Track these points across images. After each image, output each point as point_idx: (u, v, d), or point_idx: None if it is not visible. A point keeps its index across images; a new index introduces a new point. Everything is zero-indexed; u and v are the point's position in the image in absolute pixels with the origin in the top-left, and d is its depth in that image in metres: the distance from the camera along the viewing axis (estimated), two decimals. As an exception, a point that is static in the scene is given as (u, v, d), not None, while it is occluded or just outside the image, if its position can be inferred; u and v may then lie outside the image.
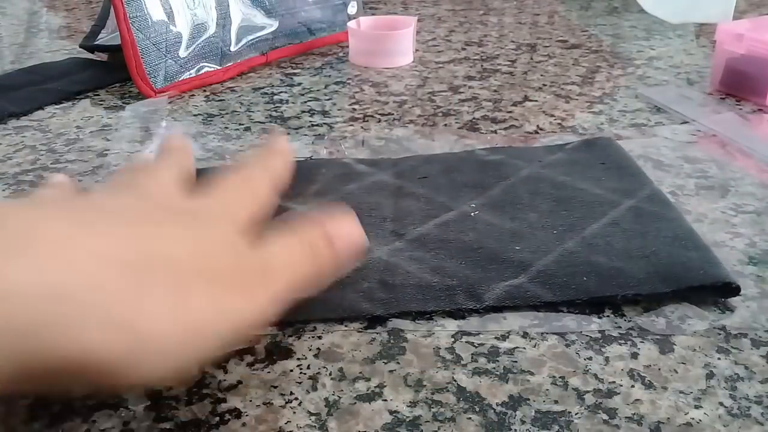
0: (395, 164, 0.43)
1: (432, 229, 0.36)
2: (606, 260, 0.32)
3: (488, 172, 0.42)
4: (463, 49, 0.73)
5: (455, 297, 0.31)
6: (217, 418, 0.25)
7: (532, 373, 0.27)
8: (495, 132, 0.50)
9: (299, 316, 0.30)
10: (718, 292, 0.31)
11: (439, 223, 0.36)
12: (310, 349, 0.29)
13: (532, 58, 0.69)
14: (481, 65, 0.67)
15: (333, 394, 0.26)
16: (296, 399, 0.26)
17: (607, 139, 0.46)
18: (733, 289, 0.30)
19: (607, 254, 0.33)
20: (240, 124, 0.52)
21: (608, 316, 0.30)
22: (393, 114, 0.54)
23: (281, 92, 0.60)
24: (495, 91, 0.59)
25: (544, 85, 0.61)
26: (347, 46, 0.70)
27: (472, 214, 0.37)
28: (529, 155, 0.44)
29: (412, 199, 0.39)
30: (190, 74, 0.60)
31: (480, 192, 0.39)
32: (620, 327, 0.29)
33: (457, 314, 0.30)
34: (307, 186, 0.40)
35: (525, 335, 0.29)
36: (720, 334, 0.29)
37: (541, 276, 0.31)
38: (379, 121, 0.53)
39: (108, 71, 0.64)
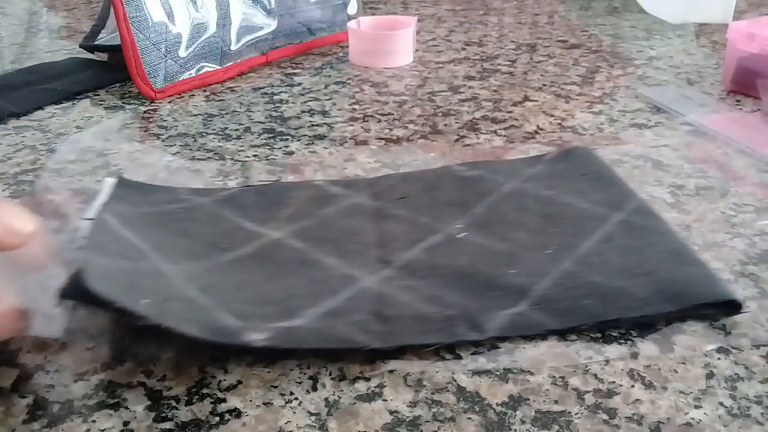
0: (370, 184, 0.41)
1: (420, 254, 0.34)
2: (606, 280, 0.31)
3: (469, 189, 0.40)
4: (463, 49, 0.73)
5: (455, 328, 0.29)
6: (217, 418, 0.25)
7: (532, 373, 0.27)
8: (495, 132, 0.50)
9: (288, 343, 0.28)
10: (721, 309, 0.30)
11: (426, 247, 0.34)
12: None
13: (532, 58, 0.69)
14: (481, 65, 0.67)
15: (333, 394, 0.26)
16: (296, 399, 0.26)
17: (585, 149, 0.44)
18: (736, 306, 0.29)
19: (605, 273, 0.31)
20: (240, 124, 0.52)
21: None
22: (393, 114, 0.54)
23: (281, 92, 0.60)
24: (495, 91, 0.59)
25: (544, 85, 0.61)
26: (347, 46, 0.70)
27: (460, 235, 0.35)
28: (508, 169, 0.42)
29: (394, 222, 0.37)
30: (190, 74, 0.60)
31: (464, 211, 0.37)
32: (620, 327, 0.29)
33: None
34: (278, 210, 0.38)
35: (525, 335, 0.29)
36: (720, 334, 0.29)
37: (543, 301, 0.30)
38: (379, 121, 0.53)
39: (108, 71, 0.64)
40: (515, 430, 0.24)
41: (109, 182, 0.40)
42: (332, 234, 0.36)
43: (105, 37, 0.66)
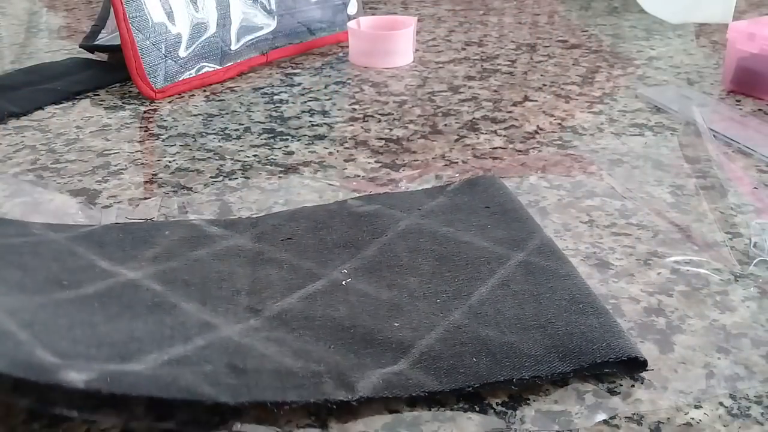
0: (254, 224, 0.37)
1: (296, 303, 0.30)
2: (497, 334, 0.28)
3: (362, 227, 0.36)
4: (463, 49, 0.73)
5: (322, 386, 0.25)
6: (217, 418, 0.25)
7: (532, 373, 0.27)
8: (495, 132, 0.50)
9: (114, 388, 0.23)
10: (623, 367, 0.27)
11: (304, 295, 0.31)
12: (310, 349, 0.29)
13: (532, 58, 0.69)
14: (481, 65, 0.67)
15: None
16: (296, 399, 0.26)
17: (491, 178, 0.41)
18: (641, 364, 0.27)
19: (497, 326, 0.29)
20: (240, 124, 0.52)
21: (608, 316, 0.30)
22: (393, 114, 0.54)
23: (281, 92, 0.60)
24: (495, 91, 0.59)
25: (544, 85, 0.61)
26: (347, 46, 0.70)
27: (344, 282, 0.32)
28: (407, 202, 0.39)
29: (273, 267, 0.33)
30: (190, 74, 0.60)
31: (353, 253, 0.34)
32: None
33: (323, 407, 0.25)
34: (143, 250, 0.34)
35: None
36: (720, 334, 0.29)
37: (425, 360, 0.27)
38: (379, 121, 0.53)
39: (108, 71, 0.64)
40: (515, 430, 0.24)
41: None
42: (198, 278, 0.32)
43: (105, 37, 0.66)
